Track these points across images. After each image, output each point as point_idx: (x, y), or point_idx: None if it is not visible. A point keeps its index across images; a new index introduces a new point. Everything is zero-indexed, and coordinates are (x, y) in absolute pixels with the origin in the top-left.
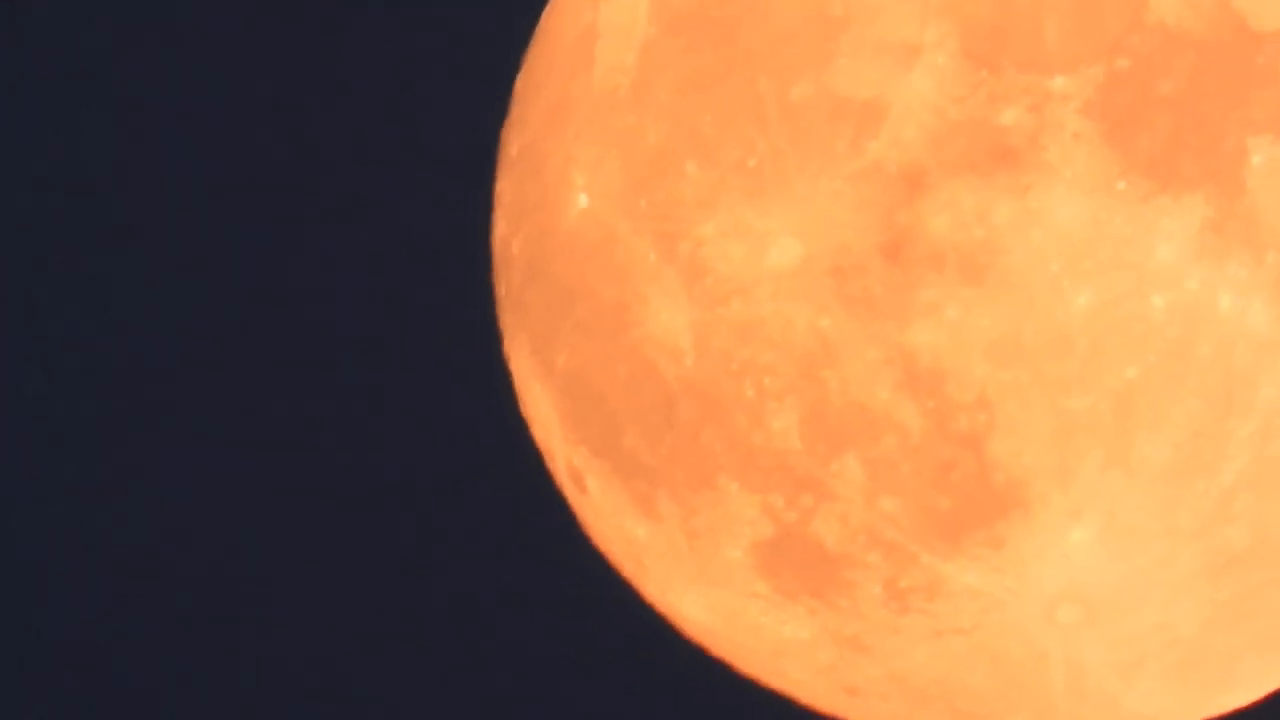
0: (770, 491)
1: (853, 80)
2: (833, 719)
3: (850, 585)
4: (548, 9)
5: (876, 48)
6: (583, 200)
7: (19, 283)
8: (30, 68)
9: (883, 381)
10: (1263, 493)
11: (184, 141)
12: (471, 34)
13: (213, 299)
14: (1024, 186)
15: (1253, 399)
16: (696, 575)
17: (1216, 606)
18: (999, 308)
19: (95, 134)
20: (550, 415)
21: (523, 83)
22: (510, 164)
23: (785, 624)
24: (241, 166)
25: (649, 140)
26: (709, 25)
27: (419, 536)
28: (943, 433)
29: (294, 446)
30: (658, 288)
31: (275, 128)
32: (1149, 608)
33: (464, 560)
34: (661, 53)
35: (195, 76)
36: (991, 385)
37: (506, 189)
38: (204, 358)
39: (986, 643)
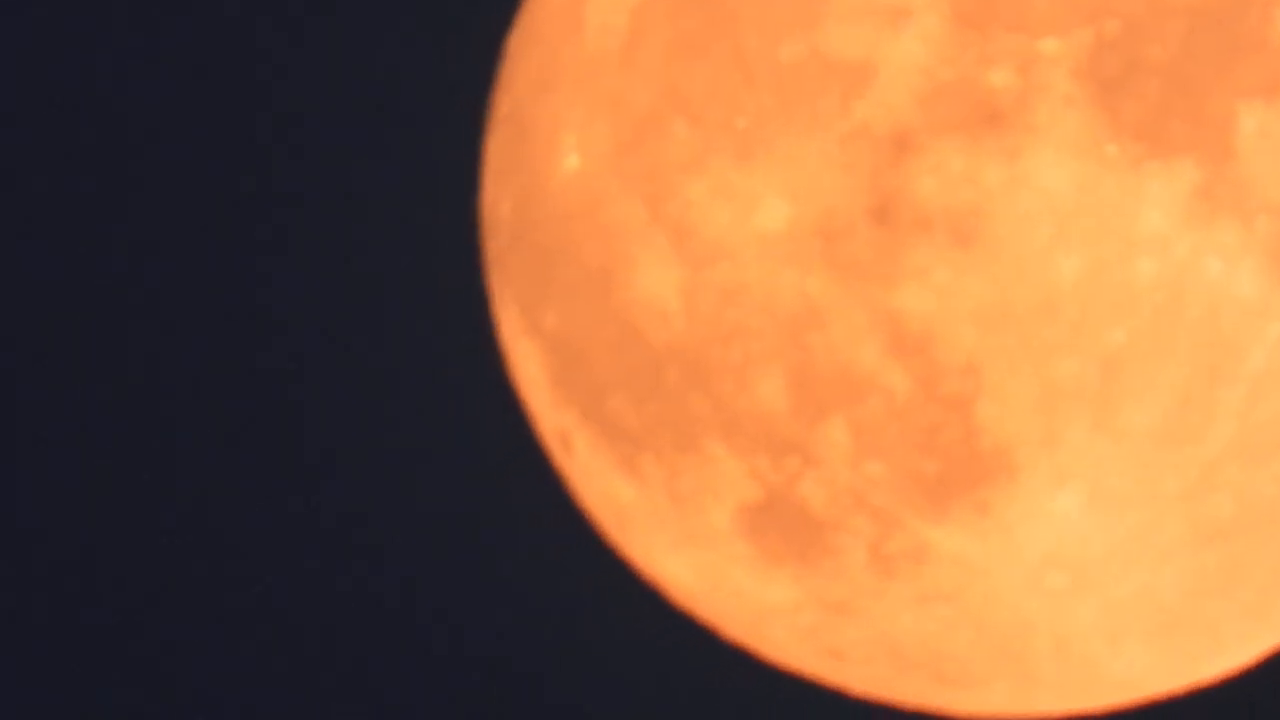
0: (756, 455)
1: (841, 41)
2: (816, 682)
3: (835, 549)
4: None
5: (866, 9)
6: (572, 161)
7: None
8: None
9: (869, 345)
10: (1249, 461)
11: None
12: None
13: (200, 259)
14: (1013, 149)
15: (1240, 366)
16: (681, 538)
17: (1201, 573)
18: (987, 272)
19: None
20: (538, 376)
21: (513, 43)
22: (499, 124)
23: (769, 587)
24: (222, 132)
25: (638, 101)
26: None
27: (405, 495)
28: (929, 396)
29: (281, 406)
30: (646, 249)
31: (256, 94)
32: (1134, 574)
33: (449, 518)
34: (651, 14)
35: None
36: (979, 349)
37: (495, 150)
38: (193, 325)
39: (972, 608)
